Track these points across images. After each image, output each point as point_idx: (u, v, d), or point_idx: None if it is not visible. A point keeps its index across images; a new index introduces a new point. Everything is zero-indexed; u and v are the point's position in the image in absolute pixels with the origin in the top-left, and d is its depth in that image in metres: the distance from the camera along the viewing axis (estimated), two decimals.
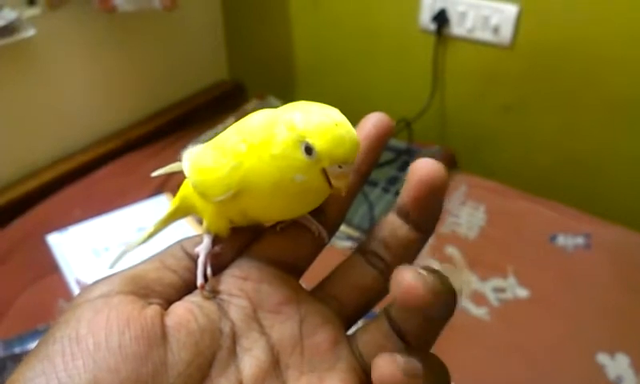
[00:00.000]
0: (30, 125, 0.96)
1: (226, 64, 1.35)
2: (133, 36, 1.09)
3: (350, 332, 0.22)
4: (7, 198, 0.92)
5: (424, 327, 0.20)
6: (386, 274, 0.22)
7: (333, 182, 0.20)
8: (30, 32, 0.86)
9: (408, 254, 0.22)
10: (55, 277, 0.77)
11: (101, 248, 0.80)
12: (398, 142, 1.08)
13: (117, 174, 1.01)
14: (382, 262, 0.22)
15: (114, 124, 1.11)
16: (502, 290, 0.79)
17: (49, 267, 0.78)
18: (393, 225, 0.22)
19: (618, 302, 0.76)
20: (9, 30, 0.84)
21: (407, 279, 0.17)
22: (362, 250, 0.22)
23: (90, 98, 1.06)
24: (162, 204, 0.89)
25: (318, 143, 0.19)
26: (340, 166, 0.19)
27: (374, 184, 0.97)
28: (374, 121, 0.22)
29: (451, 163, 1.06)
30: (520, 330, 0.74)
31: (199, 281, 0.20)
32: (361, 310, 0.22)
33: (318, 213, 0.22)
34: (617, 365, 0.68)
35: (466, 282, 0.80)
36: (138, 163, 1.03)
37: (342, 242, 0.84)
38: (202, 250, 0.21)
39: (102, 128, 1.09)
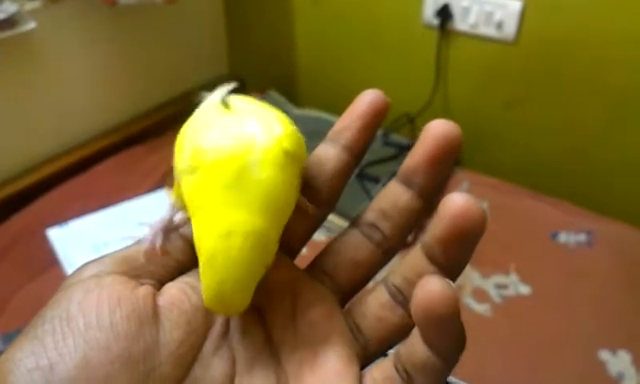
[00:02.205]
0: (30, 118, 0.96)
1: (227, 58, 1.35)
2: (133, 29, 1.09)
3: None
4: (7, 192, 0.92)
5: None
6: (383, 245, 0.21)
7: None
8: (31, 25, 0.86)
9: (408, 224, 0.21)
10: (55, 271, 0.77)
11: (101, 242, 0.79)
12: (400, 138, 1.08)
13: (117, 169, 1.00)
14: (379, 233, 0.21)
15: (114, 118, 1.10)
16: (504, 286, 0.79)
17: (49, 261, 0.78)
18: (394, 193, 0.21)
19: (619, 298, 0.76)
20: (9, 23, 0.84)
21: (460, 201, 0.17)
22: (357, 222, 0.22)
23: (90, 91, 1.05)
24: (162, 199, 0.89)
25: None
26: None
27: (376, 180, 0.96)
28: (368, 99, 0.22)
29: None
30: (522, 326, 0.73)
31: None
32: (357, 284, 0.22)
33: (306, 189, 0.21)
34: (618, 361, 0.67)
35: (468, 278, 0.80)
36: (138, 158, 1.02)
37: None
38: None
39: (102, 122, 1.08)
